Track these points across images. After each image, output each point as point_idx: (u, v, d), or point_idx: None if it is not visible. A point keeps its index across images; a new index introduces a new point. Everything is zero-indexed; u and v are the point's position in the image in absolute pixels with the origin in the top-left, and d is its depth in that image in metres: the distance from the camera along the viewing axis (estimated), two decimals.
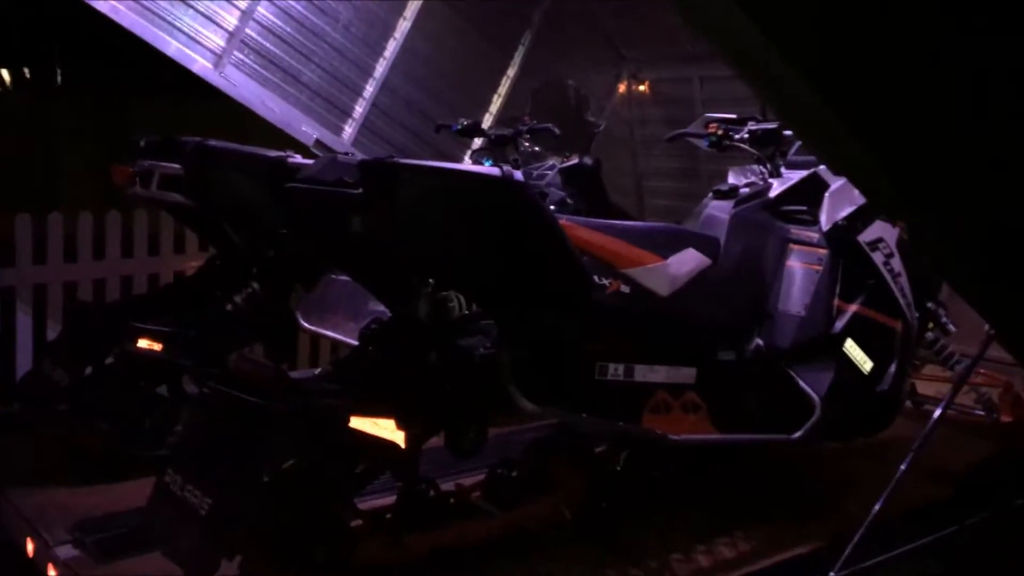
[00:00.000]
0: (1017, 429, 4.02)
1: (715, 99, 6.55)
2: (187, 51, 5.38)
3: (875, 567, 3.02)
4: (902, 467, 3.18)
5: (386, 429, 2.57)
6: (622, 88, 7.24)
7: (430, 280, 2.88)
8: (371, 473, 2.65)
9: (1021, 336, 2.16)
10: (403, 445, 2.59)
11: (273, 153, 3.18)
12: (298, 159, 3.03)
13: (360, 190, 2.51)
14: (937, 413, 3.28)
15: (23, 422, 3.76)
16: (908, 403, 3.98)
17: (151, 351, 3.59)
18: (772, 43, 1.56)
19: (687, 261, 3.25)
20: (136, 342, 3.57)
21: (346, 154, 3.08)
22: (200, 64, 5.40)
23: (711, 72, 6.55)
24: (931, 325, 3.98)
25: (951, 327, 3.93)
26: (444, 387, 2.74)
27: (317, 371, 4.21)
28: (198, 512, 2.43)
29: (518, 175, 2.49)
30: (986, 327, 3.16)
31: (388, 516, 2.90)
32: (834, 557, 2.96)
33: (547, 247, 2.60)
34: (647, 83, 7.13)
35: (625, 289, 3.08)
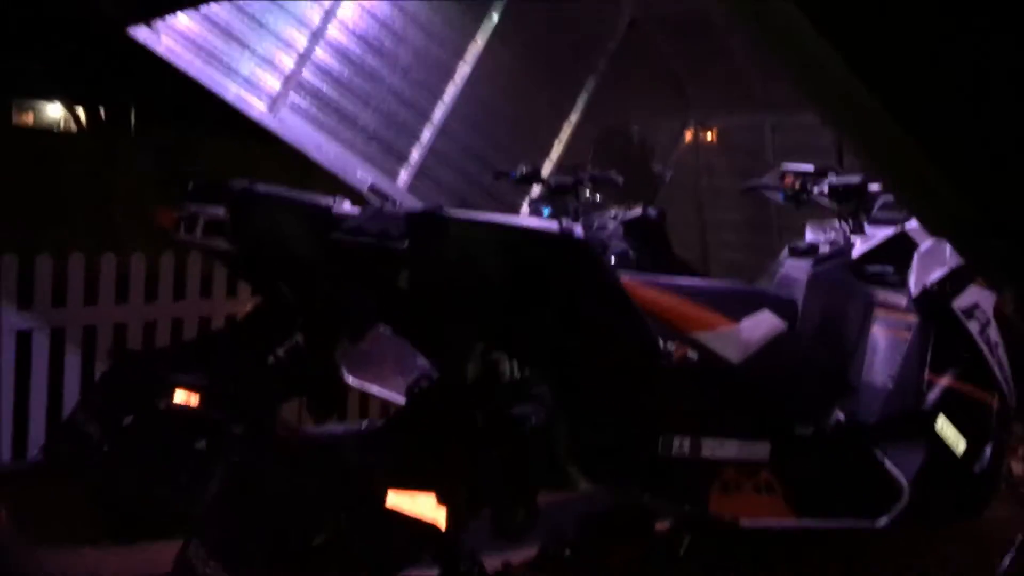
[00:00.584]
0: None
1: (787, 148, 6.28)
2: (245, 95, 5.29)
3: None
4: (1005, 560, 2.84)
5: (426, 505, 2.34)
6: (688, 135, 7.01)
7: (480, 340, 2.66)
8: (409, 553, 2.41)
9: None
10: (443, 525, 2.35)
11: (322, 199, 3.01)
12: (346, 207, 2.85)
13: (406, 243, 2.31)
14: None
15: (54, 475, 3.62)
16: (1003, 486, 3.61)
17: (187, 405, 3.42)
18: (877, 95, 1.40)
19: (761, 325, 2.98)
20: (173, 395, 3.41)
21: (393, 203, 2.90)
22: (258, 109, 5.31)
23: (783, 120, 6.29)
24: None
25: None
26: (492, 459, 2.50)
27: (364, 424, 4.01)
28: None
29: (578, 230, 2.26)
30: None
31: None
32: None
33: (609, 309, 2.36)
34: (714, 130, 6.90)
35: (693, 355, 2.82)
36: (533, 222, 2.39)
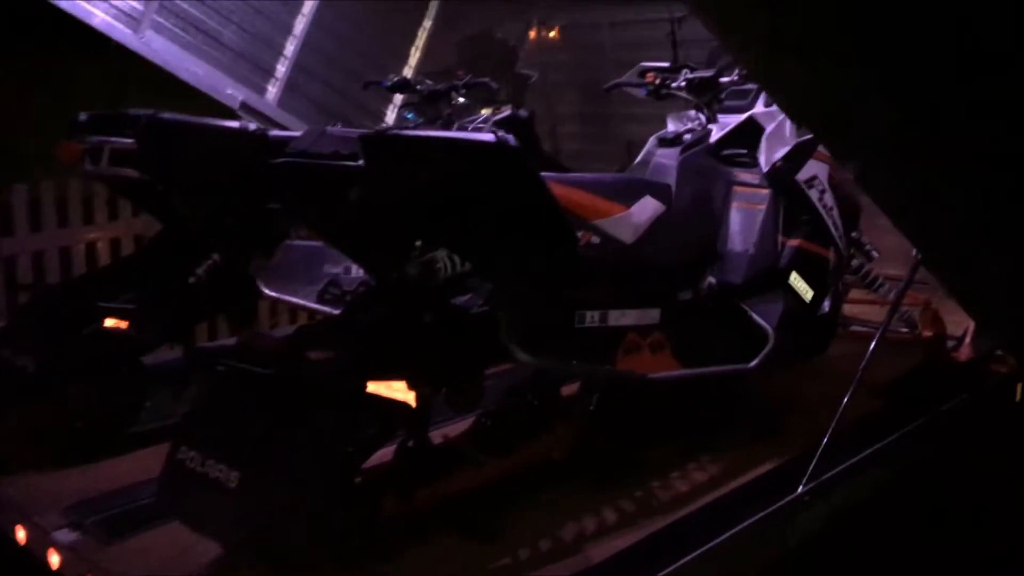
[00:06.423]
0: (936, 343, 4.42)
1: (624, 43, 6.73)
2: (109, 20, 5.13)
3: (834, 478, 3.33)
4: (852, 387, 3.47)
5: (398, 391, 2.69)
6: (532, 34, 7.32)
7: (416, 243, 2.97)
8: (385, 434, 2.76)
9: (944, 260, 2.50)
10: (414, 405, 2.72)
11: (231, 124, 3.16)
12: (277, 132, 3.04)
13: (360, 162, 2.57)
14: (878, 336, 3.61)
15: None
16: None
17: (118, 329, 3.56)
18: None
19: (646, 209, 3.44)
20: (103, 321, 3.54)
21: (334, 125, 3.10)
22: (119, 29, 5.17)
23: (620, 17, 6.70)
24: (854, 252, 4.32)
25: (874, 254, 4.27)
26: (446, 346, 2.86)
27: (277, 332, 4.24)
28: (226, 485, 2.50)
29: (511, 140, 2.59)
30: (914, 252, 3.45)
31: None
32: (799, 472, 3.25)
33: (539, 206, 2.73)
34: (556, 29, 7.23)
35: (595, 240, 3.26)
36: (473, 135, 2.70)
